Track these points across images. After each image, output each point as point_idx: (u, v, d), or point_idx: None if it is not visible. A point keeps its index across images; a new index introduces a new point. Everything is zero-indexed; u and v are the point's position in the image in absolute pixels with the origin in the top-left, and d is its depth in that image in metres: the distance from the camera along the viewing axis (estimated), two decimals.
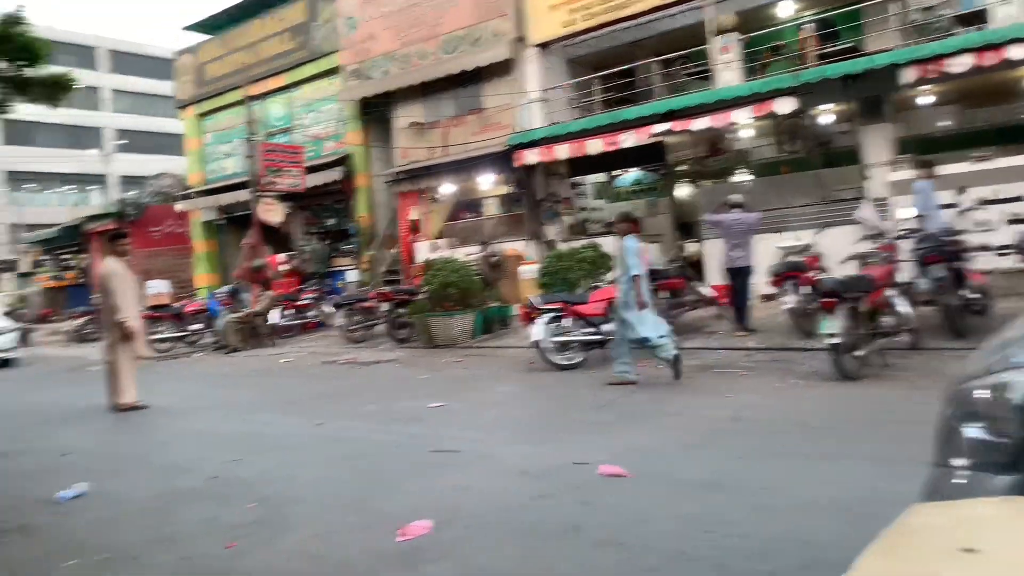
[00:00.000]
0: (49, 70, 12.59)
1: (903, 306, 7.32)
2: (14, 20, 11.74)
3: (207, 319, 14.92)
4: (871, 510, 3.34)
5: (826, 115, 12.79)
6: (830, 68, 11.22)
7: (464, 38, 15.98)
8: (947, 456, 1.97)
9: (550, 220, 15.09)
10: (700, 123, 12.16)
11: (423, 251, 16.25)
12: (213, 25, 22.34)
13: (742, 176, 13.80)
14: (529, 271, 13.01)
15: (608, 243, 10.80)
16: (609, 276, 10.20)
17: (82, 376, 11.77)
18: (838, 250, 9.33)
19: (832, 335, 6.48)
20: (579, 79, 15.05)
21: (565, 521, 3.69)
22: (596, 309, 8.60)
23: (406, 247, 17.28)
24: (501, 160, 14.86)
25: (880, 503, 3.36)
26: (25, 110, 14.50)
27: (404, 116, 17.23)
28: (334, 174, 18.00)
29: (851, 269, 8.43)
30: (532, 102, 14.85)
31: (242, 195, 17.95)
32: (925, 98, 11.91)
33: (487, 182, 16.18)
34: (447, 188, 16.88)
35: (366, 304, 13.26)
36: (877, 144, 11.58)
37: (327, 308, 15.22)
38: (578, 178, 16.02)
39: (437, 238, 16.86)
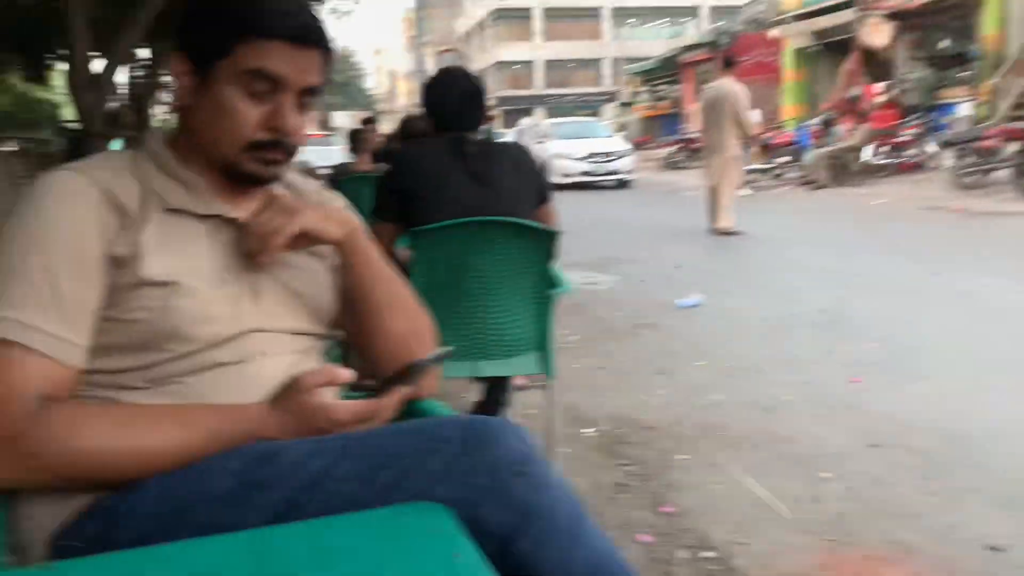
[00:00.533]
0: None
1: None
2: None
3: (795, 152, 14.64)
4: None
5: None
6: None
7: None
8: None
9: None
10: None
11: None
12: None
13: None
14: None
15: None
16: None
17: (679, 200, 12.83)
18: None
19: None
20: None
21: None
22: None
23: None
24: None
25: None
26: None
27: None
28: None
29: None
30: None
31: (844, 16, 16.71)
32: None
33: None
34: None
35: (984, 143, 11.20)
36: None
37: (930, 147, 13.43)
38: None
39: None
